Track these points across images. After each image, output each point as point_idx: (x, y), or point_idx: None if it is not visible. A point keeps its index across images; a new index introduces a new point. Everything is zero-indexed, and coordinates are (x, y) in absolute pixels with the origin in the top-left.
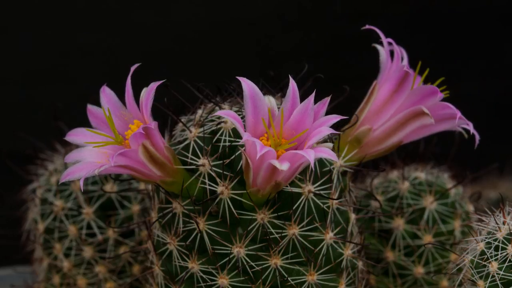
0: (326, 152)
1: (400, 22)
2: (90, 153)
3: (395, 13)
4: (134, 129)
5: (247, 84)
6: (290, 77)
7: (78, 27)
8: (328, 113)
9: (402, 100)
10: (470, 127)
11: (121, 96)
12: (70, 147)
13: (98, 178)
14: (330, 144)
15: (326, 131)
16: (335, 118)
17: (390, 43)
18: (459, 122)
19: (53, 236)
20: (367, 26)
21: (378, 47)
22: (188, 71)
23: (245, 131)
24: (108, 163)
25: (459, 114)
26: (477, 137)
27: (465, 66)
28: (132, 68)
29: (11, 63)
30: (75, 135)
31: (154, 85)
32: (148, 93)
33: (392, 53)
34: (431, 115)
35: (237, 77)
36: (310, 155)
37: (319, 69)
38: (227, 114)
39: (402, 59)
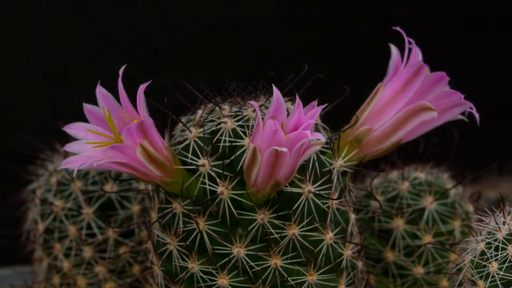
0: (318, 135)
1: (401, 22)
2: (91, 148)
3: (396, 12)
4: None
5: (276, 94)
6: (297, 96)
7: (79, 27)
8: (328, 113)
9: (406, 100)
10: (474, 110)
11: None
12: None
13: (98, 179)
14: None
15: (314, 120)
16: (319, 109)
17: (409, 42)
18: (464, 107)
19: (53, 236)
20: (398, 28)
21: (392, 47)
22: (188, 71)
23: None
24: (107, 158)
25: (462, 97)
26: (477, 115)
27: (465, 67)
28: (121, 71)
29: (11, 63)
30: (76, 129)
31: (143, 86)
32: (138, 94)
33: (402, 55)
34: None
35: (273, 86)
36: (307, 133)
37: (319, 69)
38: (254, 104)
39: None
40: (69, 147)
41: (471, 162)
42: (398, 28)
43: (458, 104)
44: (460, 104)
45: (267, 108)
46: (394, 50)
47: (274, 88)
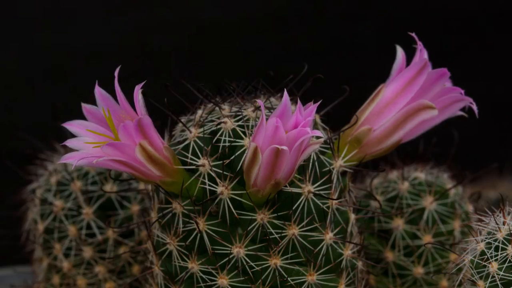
0: (318, 132)
1: (401, 22)
2: (91, 147)
3: (396, 12)
4: None
5: (286, 99)
6: (298, 100)
7: (79, 26)
8: (328, 113)
9: (407, 99)
10: (473, 104)
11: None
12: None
13: (98, 179)
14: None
15: (312, 118)
16: (314, 107)
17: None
18: (464, 102)
19: (53, 236)
20: (413, 34)
21: (398, 48)
22: (188, 71)
23: None
24: (107, 156)
25: (463, 92)
26: (476, 109)
27: (464, 67)
28: (116, 73)
29: (11, 63)
30: (76, 127)
31: (139, 87)
32: (135, 94)
33: (407, 57)
34: (435, 105)
35: (284, 89)
36: (307, 130)
37: (319, 69)
38: (259, 103)
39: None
40: (69, 142)
41: (471, 162)
42: (413, 34)
43: (458, 100)
44: (461, 99)
45: (266, 108)
46: (399, 52)
47: (285, 93)
